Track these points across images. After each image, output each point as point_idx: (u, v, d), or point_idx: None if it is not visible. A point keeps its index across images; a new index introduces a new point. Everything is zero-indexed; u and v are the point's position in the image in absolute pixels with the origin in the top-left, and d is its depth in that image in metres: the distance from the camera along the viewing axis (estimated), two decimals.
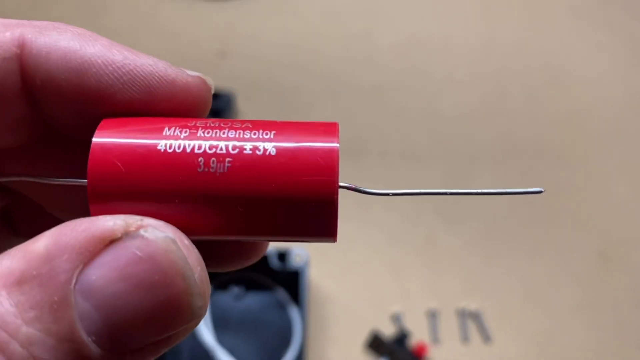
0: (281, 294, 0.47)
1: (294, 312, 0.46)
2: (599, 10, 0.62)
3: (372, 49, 0.59)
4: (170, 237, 0.12)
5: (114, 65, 0.14)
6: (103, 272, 0.12)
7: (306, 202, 0.13)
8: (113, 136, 0.13)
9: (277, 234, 0.14)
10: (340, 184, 0.13)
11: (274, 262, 0.45)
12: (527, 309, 0.48)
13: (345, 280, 0.48)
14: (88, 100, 0.14)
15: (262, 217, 0.13)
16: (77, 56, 0.14)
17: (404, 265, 0.49)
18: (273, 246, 0.45)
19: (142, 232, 0.12)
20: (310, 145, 0.13)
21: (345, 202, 0.55)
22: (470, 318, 0.47)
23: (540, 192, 0.15)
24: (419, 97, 0.57)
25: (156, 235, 0.12)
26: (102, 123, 0.14)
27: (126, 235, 0.12)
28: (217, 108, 0.52)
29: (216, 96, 0.54)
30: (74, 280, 0.11)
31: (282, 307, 0.47)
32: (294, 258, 0.45)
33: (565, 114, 0.56)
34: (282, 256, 0.45)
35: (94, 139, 0.13)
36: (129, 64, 0.14)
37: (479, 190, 0.15)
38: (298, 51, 0.59)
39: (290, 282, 0.46)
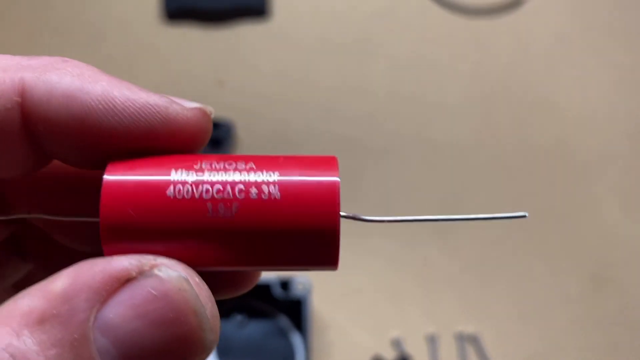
0: (283, 321, 0.47)
1: (296, 339, 0.47)
2: (586, 37, 0.65)
3: (365, 75, 0.61)
4: (182, 276, 0.13)
5: (115, 110, 0.14)
6: (120, 310, 0.12)
7: (310, 236, 0.14)
8: (123, 182, 0.14)
9: (281, 264, 0.15)
10: (341, 213, 0.14)
11: (277, 291, 0.46)
12: (523, 331, 0.49)
13: (346, 307, 0.49)
14: (92, 142, 0.14)
15: (268, 251, 0.14)
16: (77, 102, 0.14)
17: (402, 290, 0.50)
18: (276, 275, 0.46)
19: (155, 271, 0.13)
20: (312, 182, 0.14)
21: (344, 229, 0.56)
22: (468, 341, 0.48)
23: (524, 216, 0.16)
24: (411, 122, 0.59)
25: (169, 275, 0.13)
26: (109, 167, 0.14)
27: (141, 274, 0.13)
28: (217, 137, 0.53)
29: (216, 126, 0.55)
30: (92, 318, 0.12)
31: (284, 335, 0.47)
32: (297, 286, 0.46)
33: (554, 139, 0.58)
34: (285, 285, 0.46)
35: (104, 184, 0.14)
36: (130, 106, 0.14)
37: (468, 217, 0.16)
38: (294, 79, 0.61)
39: (292, 309, 0.47)
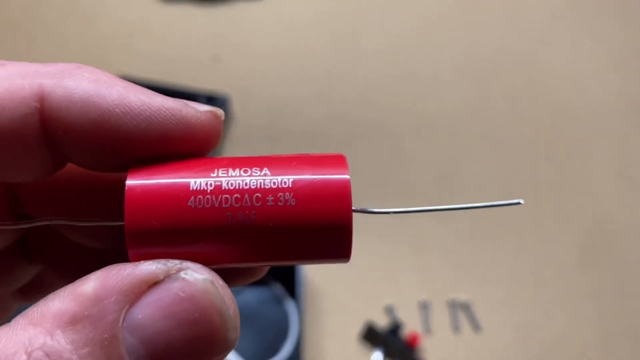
0: (277, 288, 0.48)
1: (290, 306, 0.47)
2: (579, 14, 0.65)
3: (359, 51, 0.62)
4: (208, 278, 0.14)
5: (131, 114, 0.15)
6: (148, 311, 0.13)
7: (325, 234, 0.15)
8: (144, 192, 0.15)
9: (297, 260, 0.15)
10: (352, 208, 0.15)
11: None
12: (514, 299, 0.50)
13: (339, 275, 0.50)
14: (108, 145, 0.15)
15: (286, 250, 0.15)
16: (95, 107, 0.14)
17: (395, 259, 0.51)
18: None
19: (182, 274, 0.13)
20: (325, 184, 0.15)
21: None
22: (460, 309, 0.49)
23: (519, 203, 0.17)
24: (405, 98, 0.59)
25: (195, 277, 0.14)
26: (130, 173, 0.15)
27: (168, 277, 0.13)
28: None
29: (211, 100, 0.55)
30: (121, 319, 0.13)
31: (278, 302, 0.48)
32: None
33: (548, 113, 0.59)
34: None
35: (127, 194, 0.14)
36: (146, 110, 0.15)
37: (466, 206, 0.17)
38: (289, 54, 0.61)
39: (286, 277, 0.47)
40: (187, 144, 0.15)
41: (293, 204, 0.14)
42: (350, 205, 0.15)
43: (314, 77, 0.60)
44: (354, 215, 0.15)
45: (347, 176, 0.15)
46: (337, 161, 0.15)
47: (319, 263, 0.16)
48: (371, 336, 0.47)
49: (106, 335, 0.12)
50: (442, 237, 0.52)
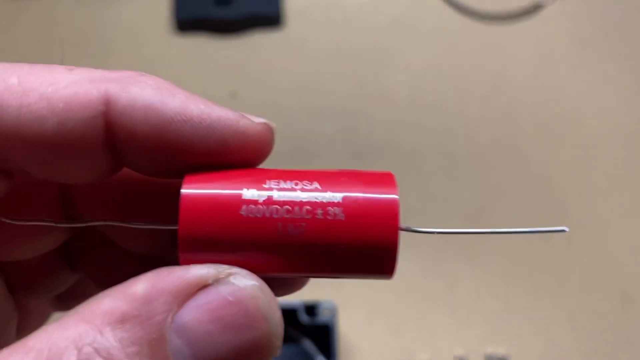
0: (308, 345, 0.46)
1: None
2: (604, 41, 0.63)
3: (383, 86, 0.59)
4: (257, 285, 0.14)
5: (192, 121, 0.15)
6: (195, 313, 0.13)
7: (372, 250, 0.15)
8: (199, 198, 0.15)
9: (343, 273, 0.16)
10: (401, 226, 0.15)
11: (303, 317, 0.44)
12: (553, 351, 0.48)
13: (371, 329, 0.48)
14: (167, 151, 0.15)
15: (332, 263, 0.15)
16: (157, 113, 0.15)
17: (428, 311, 0.49)
18: (301, 300, 0.45)
19: (231, 279, 0.14)
20: (374, 201, 0.15)
21: None
22: None
23: (563, 231, 0.16)
24: (432, 134, 0.57)
25: (245, 283, 0.14)
26: (185, 179, 0.15)
27: (217, 282, 0.14)
28: None
29: None
30: (169, 320, 0.13)
31: (309, 359, 0.46)
32: (322, 312, 0.44)
33: (579, 148, 0.57)
34: (310, 309, 0.45)
35: (182, 199, 0.15)
36: (206, 119, 0.15)
37: (511, 230, 0.18)
38: (309, 90, 0.59)
39: (317, 333, 0.45)
40: (242, 154, 0.16)
41: (342, 218, 0.15)
42: (398, 224, 0.15)
43: (335, 113, 0.58)
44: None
45: (396, 195, 0.16)
46: (387, 179, 0.16)
47: (363, 278, 0.16)
48: None
49: (154, 336, 0.13)
50: (475, 286, 0.50)
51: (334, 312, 0.44)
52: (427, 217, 0.53)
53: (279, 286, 0.18)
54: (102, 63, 0.59)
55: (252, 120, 0.16)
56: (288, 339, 0.46)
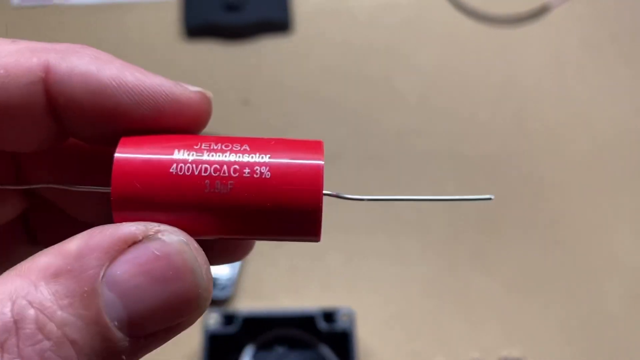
0: (325, 351, 0.46)
1: None
2: (612, 44, 0.63)
3: (394, 92, 0.60)
4: (183, 240, 0.15)
5: (126, 87, 0.16)
6: (126, 267, 0.14)
7: (296, 211, 0.16)
8: (131, 159, 0.16)
9: (270, 235, 0.16)
10: (324, 192, 0.16)
11: (321, 324, 0.45)
12: (568, 353, 0.48)
13: (388, 334, 0.48)
14: (105, 117, 0.16)
15: (259, 223, 0.16)
16: (94, 80, 0.16)
17: (443, 315, 0.49)
18: (319, 307, 0.45)
19: (159, 235, 0.15)
20: (299, 163, 0.16)
21: (377, 250, 0.54)
22: None
23: (490, 199, 0.18)
24: (442, 137, 0.58)
25: (172, 239, 0.15)
26: (120, 142, 0.16)
27: (146, 238, 0.15)
28: None
29: None
30: (101, 274, 0.14)
31: None
32: (341, 318, 0.45)
33: (588, 151, 0.57)
34: (329, 316, 0.45)
35: (115, 160, 0.16)
36: (140, 85, 0.16)
37: (438, 197, 0.19)
38: (321, 95, 0.59)
39: (334, 339, 0.46)
40: (177, 121, 0.17)
41: (268, 176, 0.15)
42: (322, 186, 0.16)
43: (346, 117, 0.58)
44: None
45: (322, 160, 0.16)
46: (315, 146, 0.16)
47: (290, 240, 0.17)
48: None
49: (86, 289, 0.13)
50: (489, 290, 0.50)
51: (352, 318, 0.45)
52: (439, 223, 0.53)
53: (219, 253, 0.20)
54: None
55: (187, 88, 0.17)
56: (305, 345, 0.47)
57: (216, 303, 0.48)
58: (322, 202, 0.16)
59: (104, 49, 0.17)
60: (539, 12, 0.64)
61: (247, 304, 0.49)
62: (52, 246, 0.14)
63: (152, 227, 0.15)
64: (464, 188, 0.55)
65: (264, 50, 0.61)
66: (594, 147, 0.57)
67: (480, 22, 0.63)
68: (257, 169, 0.15)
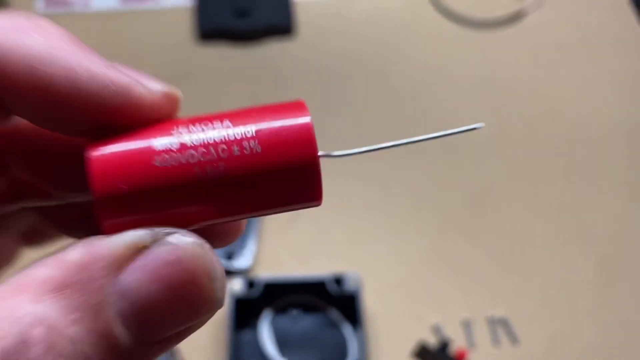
0: (334, 314, 0.53)
1: (347, 331, 0.52)
2: (581, 45, 0.71)
3: (390, 90, 0.66)
4: (197, 242, 0.14)
5: (76, 87, 0.14)
6: (136, 275, 0.13)
7: (295, 178, 0.15)
8: (108, 158, 0.14)
9: (272, 208, 0.16)
10: (320, 153, 0.15)
11: (331, 287, 0.51)
12: (546, 312, 0.55)
13: (388, 298, 0.54)
14: (55, 112, 0.14)
15: (259, 199, 0.15)
16: (40, 73, 0.14)
17: (436, 281, 0.55)
18: (330, 272, 0.51)
19: (169, 239, 0.14)
20: (287, 128, 0.15)
21: (378, 225, 0.60)
22: (499, 324, 0.54)
23: (478, 128, 0.17)
24: (432, 130, 0.64)
25: (183, 241, 0.14)
26: (90, 145, 0.14)
27: (155, 243, 0.14)
28: None
29: None
30: (109, 285, 0.13)
31: (335, 327, 0.52)
32: (349, 282, 0.51)
33: (561, 140, 0.64)
34: (338, 281, 0.51)
35: (91, 163, 0.14)
36: (92, 85, 0.14)
37: (428, 136, 0.18)
38: (321, 93, 0.66)
39: (342, 303, 0.52)
40: (139, 119, 0.15)
41: (259, 150, 0.15)
42: (315, 144, 0.15)
43: (347, 116, 0.65)
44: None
45: (308, 118, 0.15)
46: (297, 106, 0.16)
47: (292, 209, 0.16)
48: (423, 354, 0.52)
49: (95, 301, 0.13)
50: (476, 260, 0.57)
51: (359, 281, 0.51)
52: (433, 201, 0.60)
53: (213, 238, 0.18)
54: None
55: (149, 89, 0.15)
56: (317, 309, 0.53)
57: (239, 272, 0.54)
58: (319, 163, 0.15)
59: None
60: (516, 17, 0.71)
61: (265, 274, 0.55)
62: (49, 257, 0.13)
63: (160, 230, 0.14)
64: (453, 169, 0.62)
65: (270, 51, 0.67)
66: (566, 134, 0.65)
67: (461, 25, 0.70)
68: (245, 145, 0.15)
